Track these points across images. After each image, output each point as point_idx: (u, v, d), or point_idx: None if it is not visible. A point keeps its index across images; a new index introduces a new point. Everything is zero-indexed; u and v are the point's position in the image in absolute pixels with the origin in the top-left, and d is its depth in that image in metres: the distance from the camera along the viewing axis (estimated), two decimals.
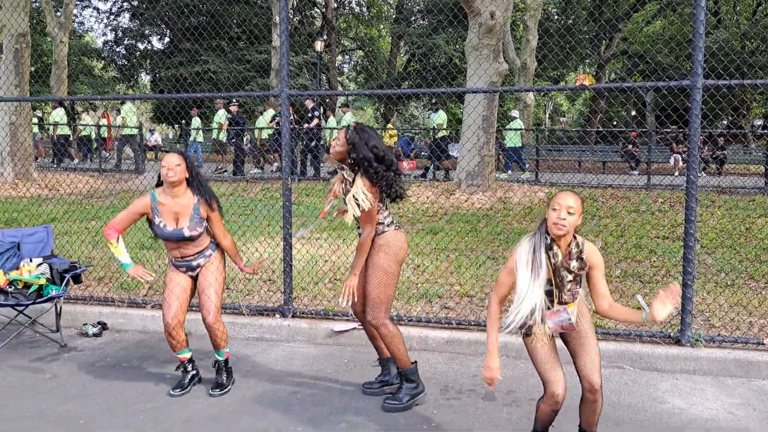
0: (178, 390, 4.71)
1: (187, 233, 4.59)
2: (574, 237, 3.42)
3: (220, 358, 4.80)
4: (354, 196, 4.29)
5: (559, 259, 3.38)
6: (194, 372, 4.87)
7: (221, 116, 18.88)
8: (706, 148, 20.54)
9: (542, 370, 3.52)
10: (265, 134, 18.55)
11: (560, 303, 3.45)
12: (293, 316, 6.11)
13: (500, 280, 3.53)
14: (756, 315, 5.95)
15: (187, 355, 4.80)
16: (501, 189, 12.79)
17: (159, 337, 5.93)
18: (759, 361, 5.04)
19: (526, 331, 3.56)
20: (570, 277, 3.41)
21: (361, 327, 5.73)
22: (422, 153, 22.02)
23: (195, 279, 4.82)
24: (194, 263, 4.73)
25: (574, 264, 3.39)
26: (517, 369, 5.22)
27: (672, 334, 5.38)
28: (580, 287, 3.49)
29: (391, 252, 4.39)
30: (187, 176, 4.66)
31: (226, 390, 4.74)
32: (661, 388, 4.85)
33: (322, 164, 17.25)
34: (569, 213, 3.30)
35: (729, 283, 6.93)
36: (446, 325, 5.80)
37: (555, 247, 3.38)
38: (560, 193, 3.39)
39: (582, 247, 3.41)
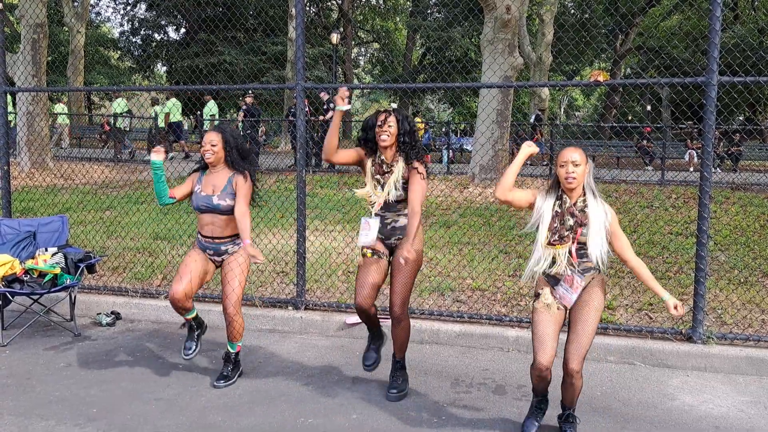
0: (190, 352, 4.78)
1: (215, 201, 4.59)
2: (584, 193, 3.77)
3: (232, 350, 4.82)
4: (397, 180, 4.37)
5: (567, 205, 3.75)
6: (200, 330, 4.90)
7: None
8: (722, 144, 20.38)
9: (534, 338, 3.80)
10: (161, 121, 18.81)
11: (549, 244, 3.75)
12: (306, 308, 6.15)
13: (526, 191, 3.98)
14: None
15: (194, 314, 4.82)
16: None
17: (172, 328, 5.99)
18: None
19: (535, 294, 3.87)
20: (571, 222, 3.73)
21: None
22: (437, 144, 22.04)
23: (216, 266, 4.83)
24: (223, 248, 4.71)
25: (577, 212, 3.73)
26: (527, 363, 5.20)
27: (683, 331, 5.37)
28: (583, 233, 3.73)
29: (420, 246, 4.49)
30: (225, 155, 4.68)
31: (231, 382, 4.76)
32: (672, 384, 4.84)
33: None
34: (575, 165, 3.69)
35: (742, 280, 6.90)
36: (458, 319, 5.82)
37: (565, 197, 3.77)
38: (563, 150, 3.76)
39: (587, 203, 3.76)
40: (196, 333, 4.89)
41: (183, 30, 36.92)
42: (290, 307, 6.16)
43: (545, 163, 17.87)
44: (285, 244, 7.77)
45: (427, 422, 4.18)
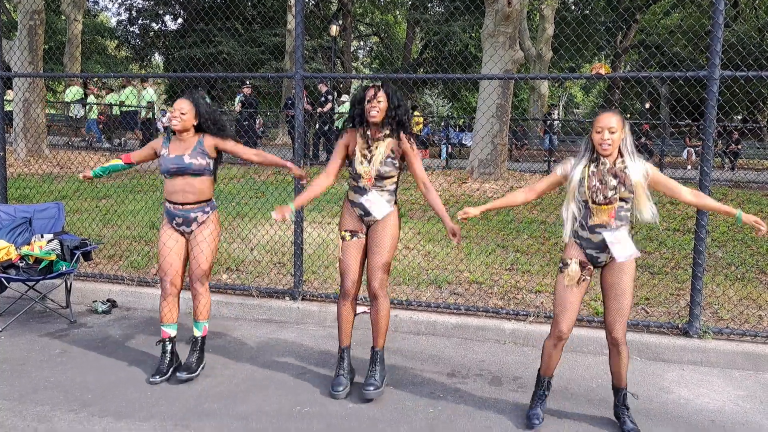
0: (158, 375, 4.53)
1: (187, 160, 4.47)
2: (621, 154, 3.80)
3: (198, 333, 4.68)
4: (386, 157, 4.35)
5: (607, 166, 3.76)
6: (174, 355, 4.68)
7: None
8: (720, 141, 20.38)
9: (556, 306, 3.89)
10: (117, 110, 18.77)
11: (594, 202, 3.77)
12: (303, 299, 6.13)
13: (543, 179, 4.07)
14: (766, 309, 5.93)
15: (172, 332, 4.66)
16: (513, 178, 12.75)
17: None
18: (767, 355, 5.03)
19: (561, 264, 3.91)
20: (614, 182, 3.74)
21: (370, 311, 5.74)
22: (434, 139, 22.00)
23: (187, 242, 4.67)
24: (192, 215, 4.56)
25: (619, 172, 3.75)
26: (523, 356, 5.22)
27: (680, 326, 5.36)
28: (624, 199, 3.78)
29: (399, 225, 4.49)
30: (195, 123, 4.59)
31: (194, 374, 4.55)
32: (668, 378, 4.84)
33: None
34: (611, 132, 3.70)
35: (739, 276, 6.90)
36: (455, 311, 5.81)
37: (602, 159, 3.78)
38: (601, 114, 3.78)
39: (627, 164, 3.77)
40: (168, 359, 4.61)
41: (181, 20, 36.80)
42: (287, 298, 6.15)
43: (546, 159, 17.84)
44: (282, 235, 7.75)
45: (423, 412, 4.17)
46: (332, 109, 16.84)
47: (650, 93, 30.78)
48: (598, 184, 3.76)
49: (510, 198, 4.12)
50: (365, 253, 4.47)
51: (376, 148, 4.37)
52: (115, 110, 19.36)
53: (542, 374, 4.10)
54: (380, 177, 4.35)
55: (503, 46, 12.21)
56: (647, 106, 33.01)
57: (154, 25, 37.85)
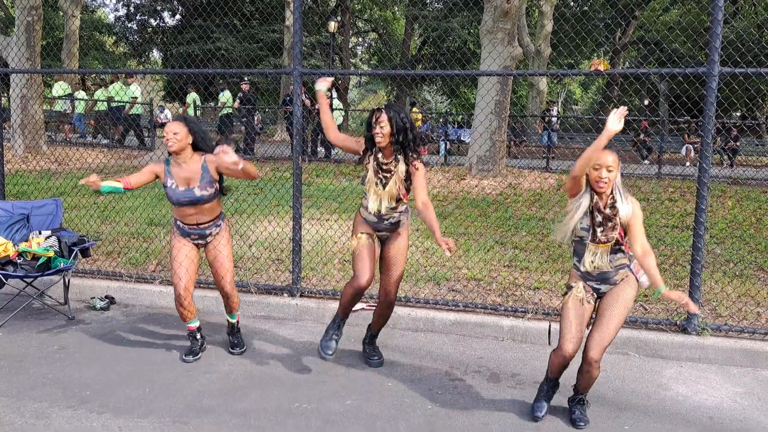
0: (191, 356, 4.87)
1: (197, 193, 4.59)
2: (612, 193, 3.82)
3: (234, 321, 5.11)
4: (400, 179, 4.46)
5: (597, 204, 3.80)
6: (203, 339, 5.03)
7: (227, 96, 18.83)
8: (719, 138, 20.37)
9: (562, 326, 3.92)
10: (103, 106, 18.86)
11: (594, 241, 3.82)
12: (301, 296, 6.13)
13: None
14: (764, 306, 5.93)
15: (197, 324, 4.93)
16: (511, 175, 12.75)
17: (166, 313, 5.96)
18: (765, 351, 5.03)
19: (567, 286, 4.01)
20: (599, 218, 3.78)
21: (370, 308, 5.75)
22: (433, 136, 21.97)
23: (199, 249, 4.88)
24: (207, 231, 4.77)
25: (607, 211, 3.78)
26: (522, 352, 5.22)
27: (678, 322, 5.37)
28: (616, 234, 3.81)
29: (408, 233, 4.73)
30: (191, 141, 4.66)
31: (245, 348, 5.06)
32: (666, 375, 4.84)
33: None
34: (608, 171, 3.73)
35: (737, 273, 6.90)
36: (453, 308, 5.81)
37: (595, 196, 3.82)
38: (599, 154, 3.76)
39: (616, 201, 3.80)
40: (200, 343, 5.00)
41: (178, 16, 36.73)
42: (286, 294, 6.14)
43: (545, 155, 17.82)
44: (281, 232, 7.74)
45: (421, 408, 4.17)
46: (331, 105, 16.81)
47: (649, 90, 30.78)
48: (595, 220, 3.81)
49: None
50: (377, 256, 4.64)
51: (390, 176, 4.45)
52: (102, 106, 19.35)
53: (549, 376, 4.14)
54: (398, 200, 4.55)
55: (502, 43, 12.19)
56: (646, 102, 33.00)
57: (152, 21, 37.78)
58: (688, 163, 18.85)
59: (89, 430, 3.79)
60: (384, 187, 4.47)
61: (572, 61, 34.39)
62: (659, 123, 22.01)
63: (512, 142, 19.25)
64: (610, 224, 3.78)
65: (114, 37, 39.32)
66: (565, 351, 3.85)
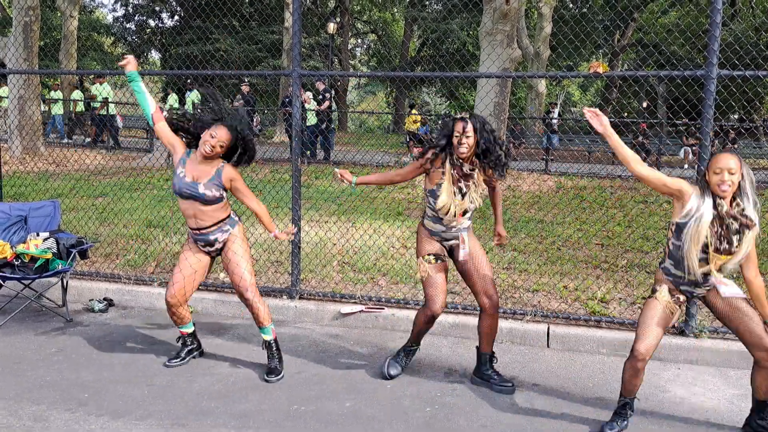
0: (176, 360, 4.78)
1: (201, 189, 4.42)
2: (735, 198, 3.65)
3: (268, 337, 4.69)
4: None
5: (724, 209, 3.60)
6: (193, 346, 4.90)
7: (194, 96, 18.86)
8: (717, 141, 20.39)
9: (639, 326, 3.81)
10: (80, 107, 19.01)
11: (717, 251, 3.62)
12: (300, 298, 6.13)
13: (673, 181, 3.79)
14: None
15: (189, 329, 4.84)
16: (510, 177, 12.76)
17: (166, 315, 5.94)
18: None
19: (653, 289, 3.88)
20: (736, 225, 3.59)
21: (369, 310, 5.76)
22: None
23: (212, 259, 4.76)
24: (211, 237, 4.60)
25: (739, 216, 3.60)
26: (520, 355, 5.22)
27: (676, 325, 5.37)
28: (740, 247, 3.63)
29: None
30: (225, 153, 4.56)
31: (281, 375, 4.63)
32: (664, 377, 4.84)
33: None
34: (731, 174, 3.57)
35: (735, 275, 6.89)
36: (452, 310, 5.80)
37: (719, 199, 3.61)
38: (719, 155, 3.65)
39: (744, 209, 3.63)
40: (188, 349, 4.89)
41: (177, 17, 36.73)
42: (285, 296, 6.14)
43: (544, 157, 17.83)
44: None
45: (420, 411, 4.17)
46: (330, 107, 16.81)
47: (648, 92, 30.82)
48: (719, 228, 3.62)
49: (631, 156, 3.82)
50: (446, 274, 4.59)
51: (468, 188, 4.37)
52: (79, 107, 19.39)
53: (624, 395, 3.94)
54: (467, 211, 4.46)
55: (501, 45, 12.21)
56: (645, 105, 33.03)
57: (150, 21, 37.78)
58: (686, 166, 18.87)
59: None
60: (463, 197, 4.37)
61: (571, 63, 34.42)
62: (658, 125, 22.04)
63: (511, 144, 19.26)
64: (744, 228, 3.61)
65: (112, 38, 39.33)
66: (638, 351, 3.72)
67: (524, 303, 6.00)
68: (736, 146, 20.07)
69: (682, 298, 3.88)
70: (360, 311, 5.82)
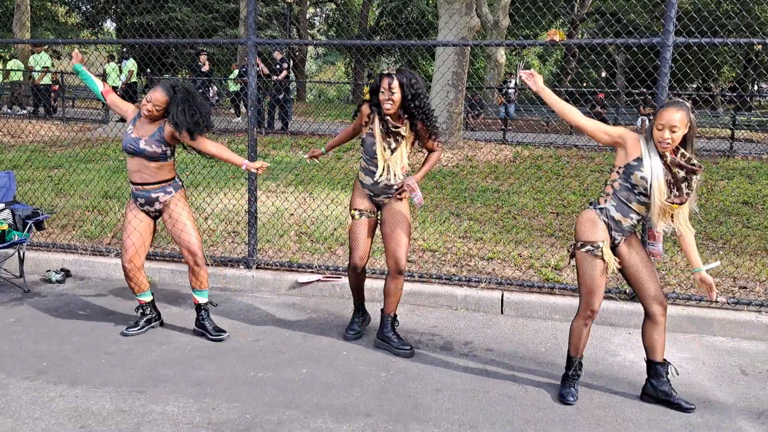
0: (133, 329, 4.82)
1: (142, 145, 4.53)
2: (679, 149, 3.62)
3: (204, 300, 4.86)
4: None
5: (669, 159, 3.58)
6: (152, 315, 4.94)
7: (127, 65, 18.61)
8: None
9: (586, 286, 3.83)
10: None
11: (669, 201, 3.61)
12: (257, 268, 6.16)
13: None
14: (711, 274, 6.11)
15: (148, 298, 4.88)
16: (468, 147, 12.85)
17: (123, 285, 5.94)
18: (711, 318, 5.22)
19: (591, 247, 3.79)
20: (683, 173, 3.57)
21: (326, 279, 5.82)
22: None
23: (154, 220, 4.80)
24: (153, 195, 4.65)
25: (685, 163, 3.57)
26: (475, 321, 5.34)
27: (628, 291, 5.52)
28: (687, 195, 3.64)
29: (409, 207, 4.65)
30: (165, 114, 4.58)
31: (225, 334, 4.80)
32: (615, 342, 5.00)
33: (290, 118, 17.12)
34: (672, 131, 3.52)
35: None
36: (408, 278, 5.88)
37: (667, 153, 3.59)
38: (664, 109, 3.60)
39: (691, 158, 3.60)
40: (147, 318, 4.92)
41: None
42: (242, 266, 6.17)
43: (502, 128, 17.94)
44: (236, 204, 7.73)
45: (375, 376, 4.26)
46: (287, 77, 16.69)
47: (606, 62, 31.08)
48: (671, 178, 3.61)
49: (569, 108, 3.86)
50: (374, 233, 4.69)
51: (398, 143, 4.43)
52: (17, 76, 18.99)
53: (572, 355, 4.05)
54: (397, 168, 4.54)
55: (459, 13, 12.22)
56: (603, 74, 33.35)
57: None
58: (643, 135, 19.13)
59: (47, 400, 3.80)
60: (393, 152, 4.44)
61: (530, 33, 34.54)
62: (615, 95, 22.29)
63: (469, 115, 19.35)
64: (691, 174, 3.58)
65: (66, 8, 38.32)
66: (593, 311, 3.85)
67: (479, 271, 6.11)
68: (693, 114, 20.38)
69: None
70: (317, 280, 5.87)
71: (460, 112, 12.79)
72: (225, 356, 4.51)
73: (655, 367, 3.97)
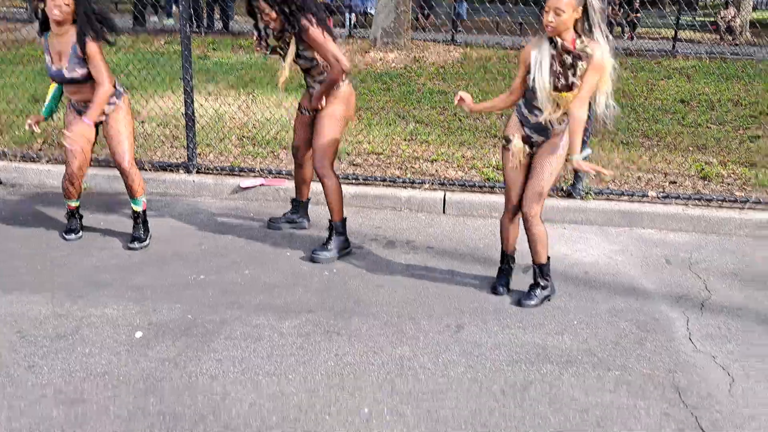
0: (73, 234, 4.78)
1: (66, 74, 4.32)
2: (580, 36, 3.54)
3: (138, 208, 4.73)
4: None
5: (558, 45, 3.51)
6: (81, 218, 4.90)
7: None
8: (621, 11, 20.64)
9: (506, 187, 3.99)
10: None
11: (556, 89, 3.57)
12: (198, 172, 6.07)
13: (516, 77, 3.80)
14: (644, 170, 6.26)
15: (77, 203, 4.78)
16: (417, 47, 12.67)
17: (57, 192, 5.79)
18: (641, 212, 5.38)
19: (505, 138, 3.88)
20: (570, 59, 3.52)
21: (269, 183, 5.78)
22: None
23: (96, 128, 4.61)
24: None
25: (575, 51, 3.51)
26: (417, 221, 5.40)
27: (564, 188, 5.63)
28: (573, 83, 3.58)
29: (345, 104, 4.51)
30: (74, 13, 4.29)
31: (145, 244, 4.72)
32: (550, 236, 5.07)
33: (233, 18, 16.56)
34: (557, 14, 3.43)
35: (624, 141, 7.22)
36: (353, 181, 5.89)
37: (557, 39, 3.52)
38: None
39: (587, 46, 3.52)
40: (77, 221, 4.86)
41: None
42: (182, 171, 6.07)
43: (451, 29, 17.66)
44: (174, 107, 7.52)
45: (318, 275, 4.31)
46: None
47: None
48: (557, 67, 3.55)
49: (496, 102, 3.98)
50: (310, 129, 4.63)
51: (288, 45, 4.34)
52: None
53: (503, 250, 4.21)
54: (304, 70, 4.47)
55: None
56: None
57: None
58: None
59: None
60: (284, 59, 4.37)
61: None
62: None
63: (418, 15, 18.98)
64: (577, 60, 3.52)
65: None
66: (514, 206, 3.97)
67: (423, 173, 6.13)
68: (639, 15, 20.37)
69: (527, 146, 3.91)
70: (260, 185, 5.83)
71: (408, 10, 12.52)
72: (167, 261, 4.49)
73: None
